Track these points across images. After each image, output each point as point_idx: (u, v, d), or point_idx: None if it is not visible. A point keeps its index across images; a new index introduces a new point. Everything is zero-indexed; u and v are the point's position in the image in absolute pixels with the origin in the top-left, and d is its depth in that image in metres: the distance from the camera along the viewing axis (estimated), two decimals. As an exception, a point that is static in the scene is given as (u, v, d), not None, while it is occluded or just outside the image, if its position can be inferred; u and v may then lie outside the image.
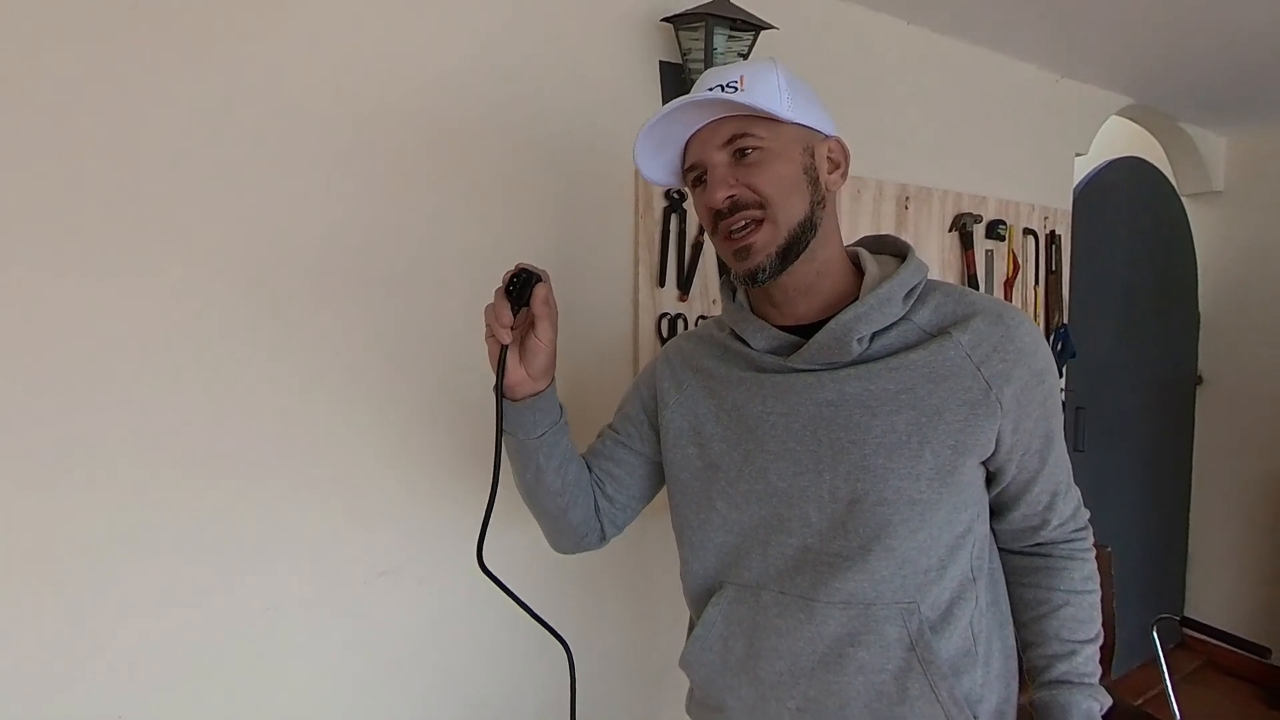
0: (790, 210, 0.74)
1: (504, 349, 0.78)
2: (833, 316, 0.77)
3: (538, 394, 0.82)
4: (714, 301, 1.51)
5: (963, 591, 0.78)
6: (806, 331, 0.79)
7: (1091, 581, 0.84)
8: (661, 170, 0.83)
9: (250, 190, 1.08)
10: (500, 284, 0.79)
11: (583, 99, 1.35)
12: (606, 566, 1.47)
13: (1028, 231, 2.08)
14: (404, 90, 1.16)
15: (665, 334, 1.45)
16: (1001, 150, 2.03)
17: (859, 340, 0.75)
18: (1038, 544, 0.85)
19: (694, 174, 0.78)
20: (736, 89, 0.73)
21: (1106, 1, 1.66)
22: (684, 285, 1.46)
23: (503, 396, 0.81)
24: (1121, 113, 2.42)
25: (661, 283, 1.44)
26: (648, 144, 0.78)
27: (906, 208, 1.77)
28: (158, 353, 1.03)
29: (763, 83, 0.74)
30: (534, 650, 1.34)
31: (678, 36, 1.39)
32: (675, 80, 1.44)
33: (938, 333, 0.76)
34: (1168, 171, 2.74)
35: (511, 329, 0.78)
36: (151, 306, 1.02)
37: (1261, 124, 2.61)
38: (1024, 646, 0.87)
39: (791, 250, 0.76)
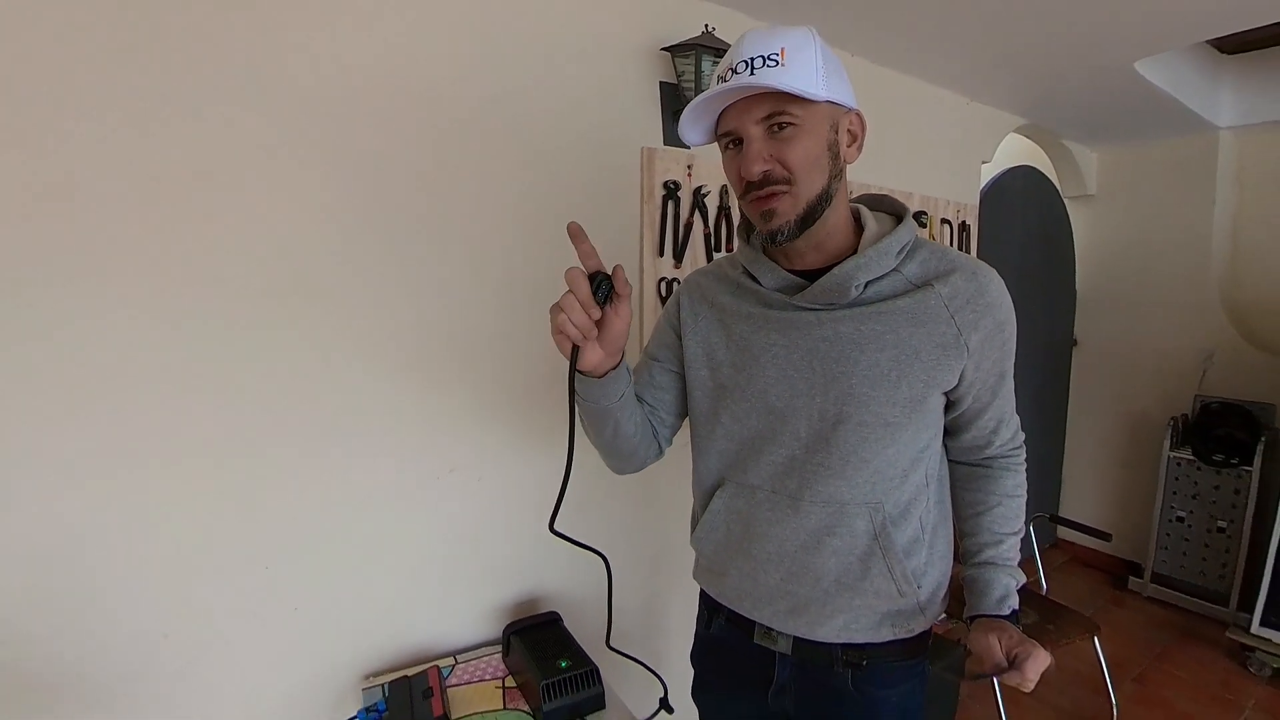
0: (811, 185, 0.69)
1: (575, 348, 0.68)
2: (836, 264, 0.73)
3: (616, 366, 0.73)
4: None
5: (918, 493, 0.78)
6: (810, 276, 0.75)
7: (1020, 489, 0.84)
8: (698, 132, 0.74)
9: (348, 179, 1.12)
10: (572, 289, 0.66)
11: (601, 111, 1.39)
12: (626, 482, 1.49)
13: (944, 221, 2.11)
14: (458, 109, 1.19)
15: (663, 294, 1.50)
16: (924, 155, 2.04)
17: (856, 287, 0.72)
18: (982, 458, 0.84)
19: (729, 138, 0.71)
20: (777, 62, 0.65)
21: (1006, 43, 1.71)
22: (678, 256, 1.51)
23: (575, 379, 0.72)
24: (1019, 130, 2.45)
25: (661, 253, 1.49)
26: (690, 115, 0.70)
27: (849, 200, 1.83)
28: (297, 291, 1.09)
29: (801, 57, 0.65)
30: (575, 534, 1.41)
31: (674, 62, 1.42)
32: (672, 96, 1.47)
33: (922, 284, 0.72)
34: (1053, 178, 2.78)
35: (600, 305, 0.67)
36: (305, 256, 1.08)
37: (1124, 142, 2.66)
38: (961, 535, 0.87)
39: (808, 219, 0.71)
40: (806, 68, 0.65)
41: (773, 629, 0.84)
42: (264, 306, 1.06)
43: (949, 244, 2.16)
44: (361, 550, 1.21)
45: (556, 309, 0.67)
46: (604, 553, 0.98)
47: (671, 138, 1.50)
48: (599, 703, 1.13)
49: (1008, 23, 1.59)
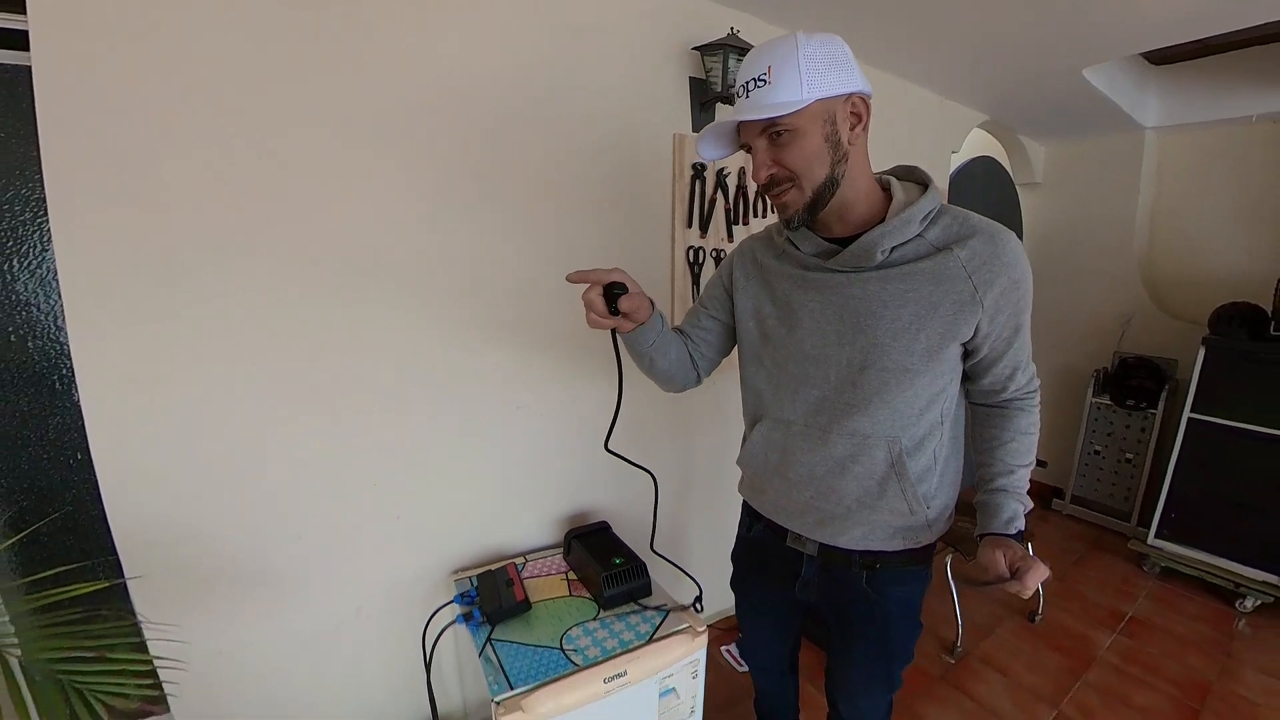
0: (814, 176, 0.71)
1: (613, 330, 0.83)
2: (864, 232, 0.74)
3: (642, 324, 0.83)
4: (723, 237, 1.63)
5: (933, 429, 0.79)
6: (844, 242, 0.76)
7: (1033, 428, 0.83)
8: (716, 149, 0.79)
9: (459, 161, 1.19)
10: (596, 295, 0.79)
11: (639, 103, 1.44)
12: (679, 410, 1.63)
13: None
14: (516, 106, 1.24)
15: (691, 260, 1.58)
16: (902, 144, 2.09)
17: (882, 251, 0.72)
18: (999, 401, 0.83)
19: (747, 149, 0.76)
20: (765, 81, 0.68)
21: (977, 50, 1.80)
22: (703, 227, 1.59)
23: (617, 337, 0.87)
24: (982, 125, 2.52)
25: (689, 225, 1.57)
26: (706, 139, 0.77)
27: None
28: (390, 267, 1.17)
29: (785, 70, 0.67)
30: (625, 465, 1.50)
31: (703, 60, 1.48)
32: (699, 89, 1.53)
33: (943, 248, 0.72)
34: (1008, 167, 2.86)
35: (614, 314, 0.79)
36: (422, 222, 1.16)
37: (1067, 138, 2.75)
38: (978, 466, 0.86)
39: (817, 204, 0.73)
40: (789, 78, 0.66)
41: (802, 535, 0.90)
42: (364, 280, 1.15)
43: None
44: (449, 471, 1.32)
45: (589, 318, 0.79)
46: (652, 471, 1.10)
47: (699, 125, 1.57)
48: (646, 590, 1.29)
49: (980, 32, 1.67)
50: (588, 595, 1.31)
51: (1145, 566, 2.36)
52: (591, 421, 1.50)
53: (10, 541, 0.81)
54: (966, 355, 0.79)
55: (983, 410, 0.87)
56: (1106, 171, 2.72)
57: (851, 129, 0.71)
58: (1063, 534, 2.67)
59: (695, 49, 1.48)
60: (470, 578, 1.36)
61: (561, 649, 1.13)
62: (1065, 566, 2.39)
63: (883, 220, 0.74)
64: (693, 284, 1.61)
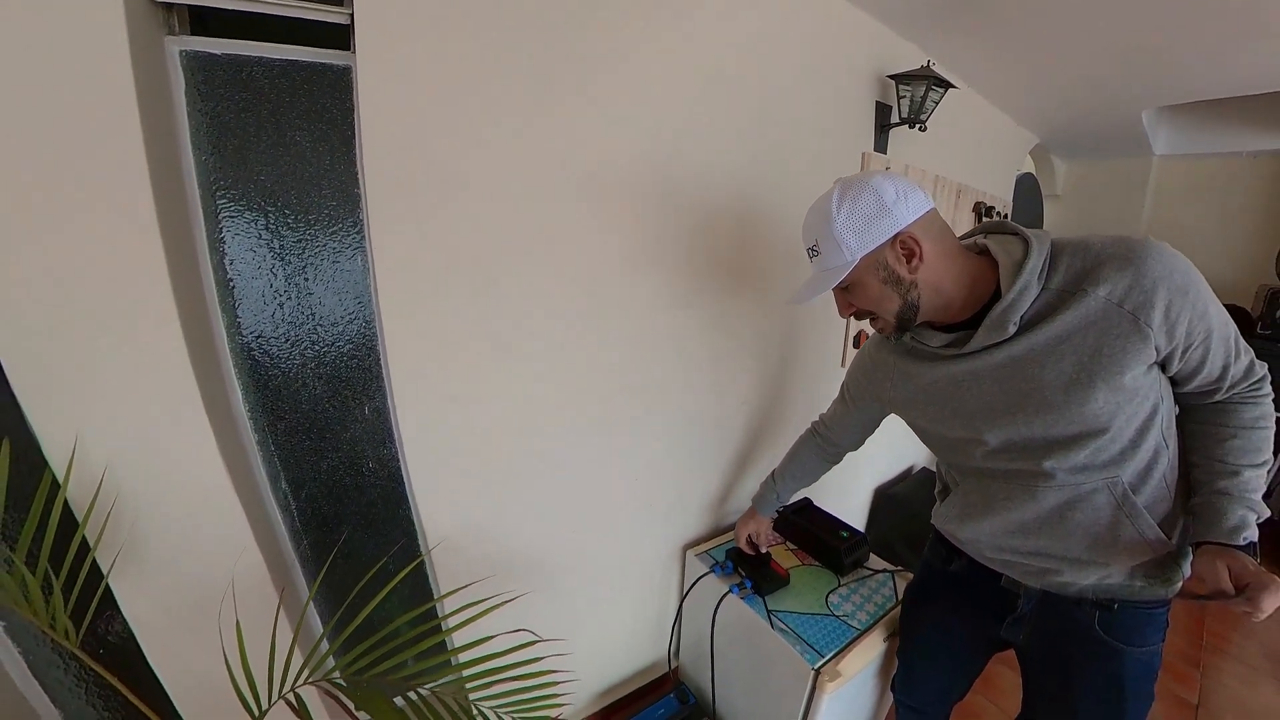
0: (888, 309, 0.68)
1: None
2: (984, 309, 0.66)
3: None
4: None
5: (1157, 455, 0.65)
6: (967, 324, 0.68)
7: (1263, 421, 0.65)
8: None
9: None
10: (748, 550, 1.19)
11: (836, 122, 1.40)
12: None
13: (994, 210, 2.20)
14: (737, 117, 1.22)
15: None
16: (994, 165, 2.14)
17: (1012, 324, 0.63)
18: (1214, 401, 0.67)
19: None
20: (817, 252, 0.68)
21: (1065, 89, 1.80)
22: None
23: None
24: (1032, 149, 2.56)
25: None
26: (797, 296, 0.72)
27: (959, 196, 1.92)
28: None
29: (826, 242, 0.65)
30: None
31: (897, 87, 1.43)
32: (881, 113, 1.49)
33: (1074, 289, 0.60)
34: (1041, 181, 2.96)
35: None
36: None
37: (1087, 158, 2.86)
38: (1192, 467, 0.68)
39: (905, 323, 0.69)
40: (831, 248, 0.65)
41: (1020, 581, 0.77)
42: (645, 289, 1.12)
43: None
44: (688, 460, 1.34)
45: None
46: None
47: (879, 146, 1.56)
48: (866, 556, 1.35)
49: (1073, 73, 1.66)
50: (816, 563, 1.35)
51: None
52: (779, 420, 1.54)
53: (403, 573, 0.74)
54: (1163, 367, 0.64)
55: (1194, 408, 0.70)
56: (1116, 188, 2.88)
57: (908, 262, 0.65)
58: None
59: (890, 76, 1.44)
60: (707, 553, 1.38)
61: (833, 614, 1.18)
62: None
63: (996, 289, 0.65)
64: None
